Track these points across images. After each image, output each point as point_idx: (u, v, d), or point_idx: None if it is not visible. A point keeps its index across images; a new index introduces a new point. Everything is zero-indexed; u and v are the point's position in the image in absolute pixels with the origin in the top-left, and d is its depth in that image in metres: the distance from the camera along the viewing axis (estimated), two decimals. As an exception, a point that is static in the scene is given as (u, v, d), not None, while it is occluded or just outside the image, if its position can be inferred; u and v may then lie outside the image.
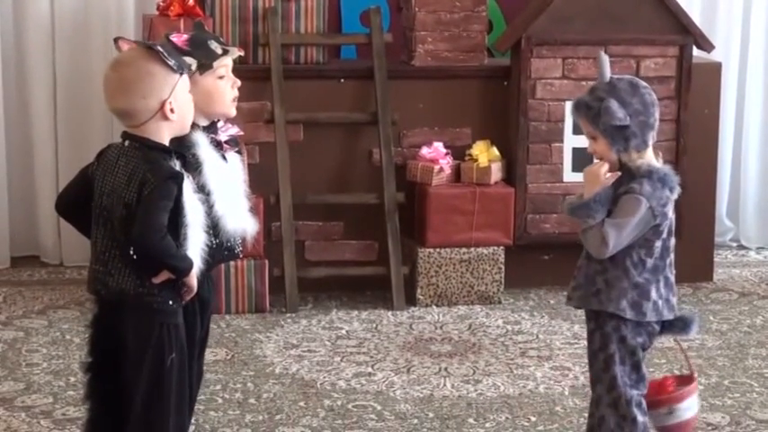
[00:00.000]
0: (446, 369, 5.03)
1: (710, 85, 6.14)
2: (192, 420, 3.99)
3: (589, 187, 3.58)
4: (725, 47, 6.65)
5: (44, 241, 6.40)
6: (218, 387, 4.78)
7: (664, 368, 5.02)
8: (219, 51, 3.71)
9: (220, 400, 4.68)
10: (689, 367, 3.88)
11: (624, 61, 5.83)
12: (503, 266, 5.83)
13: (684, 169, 6.00)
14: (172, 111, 3.32)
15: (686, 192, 5.97)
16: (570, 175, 5.92)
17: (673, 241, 3.68)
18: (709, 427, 4.49)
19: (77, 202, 3.43)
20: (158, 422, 3.36)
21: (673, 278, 3.70)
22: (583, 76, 5.80)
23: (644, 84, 3.63)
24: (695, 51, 6.01)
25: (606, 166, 3.60)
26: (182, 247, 3.32)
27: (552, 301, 5.88)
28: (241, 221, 3.73)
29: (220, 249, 3.70)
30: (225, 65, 3.73)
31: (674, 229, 3.67)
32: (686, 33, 5.93)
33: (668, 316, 3.67)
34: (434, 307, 5.79)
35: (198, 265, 3.40)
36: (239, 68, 3.98)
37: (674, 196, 3.63)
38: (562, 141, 5.92)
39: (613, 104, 3.54)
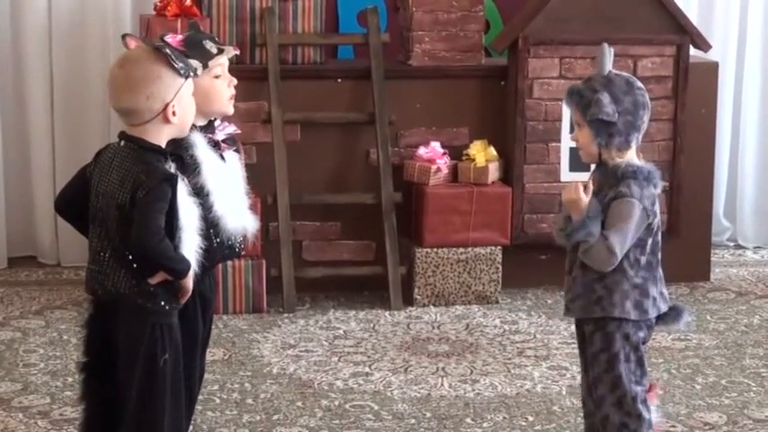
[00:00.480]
0: (443, 369, 5.03)
1: (707, 84, 6.14)
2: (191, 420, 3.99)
3: (575, 208, 3.56)
4: (722, 46, 6.65)
5: (41, 241, 6.39)
6: (216, 387, 4.78)
7: (662, 368, 5.02)
8: (215, 51, 3.71)
9: (218, 400, 4.68)
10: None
11: (621, 61, 5.83)
12: (500, 266, 5.83)
13: (681, 169, 6.01)
14: (174, 114, 3.32)
15: (683, 191, 6.05)
16: (567, 175, 5.92)
17: (660, 236, 3.68)
18: (707, 427, 4.49)
19: (76, 202, 3.44)
20: (152, 422, 3.36)
21: (661, 271, 3.71)
22: (580, 75, 5.79)
23: (640, 85, 3.62)
24: (692, 51, 6.01)
25: (581, 185, 3.58)
26: (177, 249, 3.32)
27: (549, 301, 5.88)
28: (241, 220, 3.73)
29: (221, 248, 3.70)
30: (221, 64, 3.73)
31: (660, 225, 3.68)
32: (683, 33, 5.94)
33: (664, 309, 3.68)
34: (432, 307, 5.79)
35: (193, 267, 3.39)
36: (236, 68, 3.98)
37: (658, 191, 3.63)
38: (559, 141, 5.93)
39: (605, 98, 3.55)
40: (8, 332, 5.37)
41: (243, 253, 3.92)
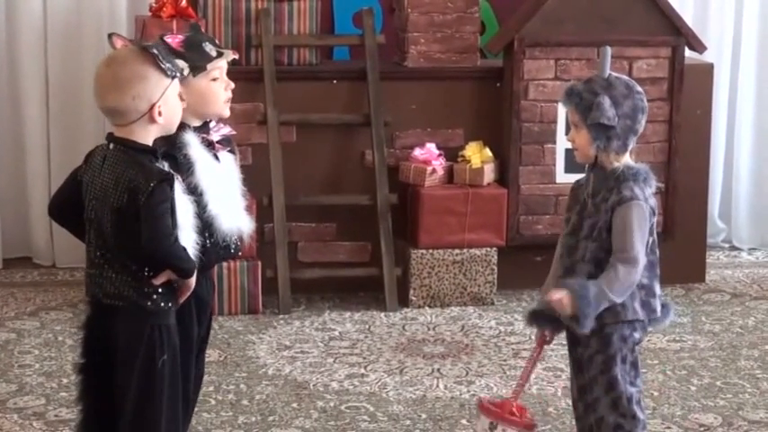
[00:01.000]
0: (439, 370, 5.03)
1: (703, 86, 6.14)
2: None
3: (563, 307, 3.52)
4: (717, 48, 6.66)
5: (36, 243, 6.39)
6: (211, 388, 4.78)
7: (657, 369, 5.02)
8: (214, 54, 3.71)
9: (213, 402, 4.68)
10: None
11: (616, 62, 5.82)
12: (495, 268, 5.84)
13: (677, 170, 6.02)
14: (160, 114, 3.31)
15: (678, 193, 6.05)
16: (563, 176, 5.92)
17: (656, 236, 3.68)
18: (702, 428, 4.50)
19: (70, 206, 3.43)
20: (150, 423, 3.36)
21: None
22: (575, 77, 5.79)
23: (639, 89, 3.61)
24: (687, 52, 6.02)
25: (558, 293, 3.54)
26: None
27: (545, 303, 5.88)
28: (236, 221, 3.72)
29: (216, 249, 3.69)
30: (219, 67, 3.73)
31: (655, 224, 3.69)
32: (678, 34, 5.94)
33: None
34: (427, 308, 5.79)
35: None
36: (232, 70, 3.97)
37: (653, 191, 3.64)
38: (555, 142, 5.93)
39: (606, 102, 3.54)
40: (3, 333, 5.36)
41: (239, 254, 3.92)
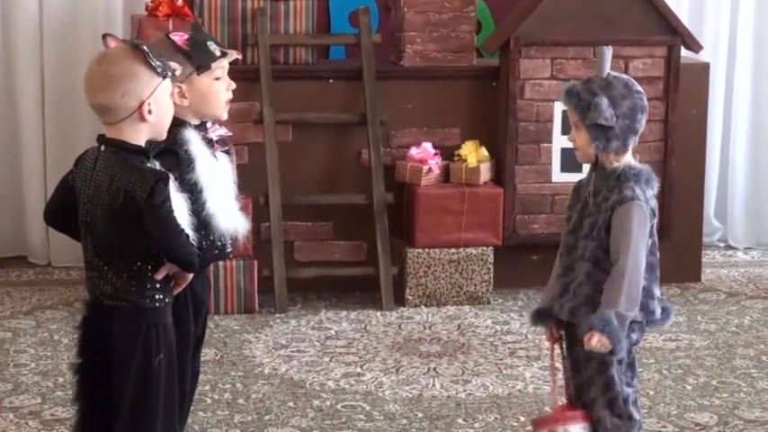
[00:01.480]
0: (435, 369, 5.03)
1: (698, 85, 6.15)
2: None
3: (606, 339, 3.50)
4: (713, 47, 6.66)
5: (32, 242, 6.38)
6: (207, 387, 4.77)
7: (653, 368, 5.03)
8: (218, 53, 3.73)
9: (209, 401, 4.68)
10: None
11: (612, 62, 5.80)
12: (492, 267, 5.84)
13: (672, 170, 6.02)
14: (150, 112, 3.31)
15: (674, 192, 6.06)
16: (559, 176, 5.92)
17: (656, 237, 3.67)
18: (698, 427, 4.50)
19: (63, 210, 3.43)
20: (146, 423, 3.36)
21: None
22: (571, 76, 5.80)
23: (639, 88, 3.60)
24: (683, 52, 6.02)
25: (593, 338, 3.52)
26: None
27: (541, 302, 5.88)
28: (233, 220, 3.73)
29: (211, 248, 3.69)
30: (222, 67, 3.74)
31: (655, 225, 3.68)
32: (674, 34, 5.95)
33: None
34: (423, 307, 5.79)
35: None
36: (227, 69, 3.98)
37: (654, 192, 3.63)
38: (551, 142, 5.93)
39: (604, 102, 3.53)
40: (-1, 332, 5.37)
41: (231, 255, 3.92)
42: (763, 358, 5.19)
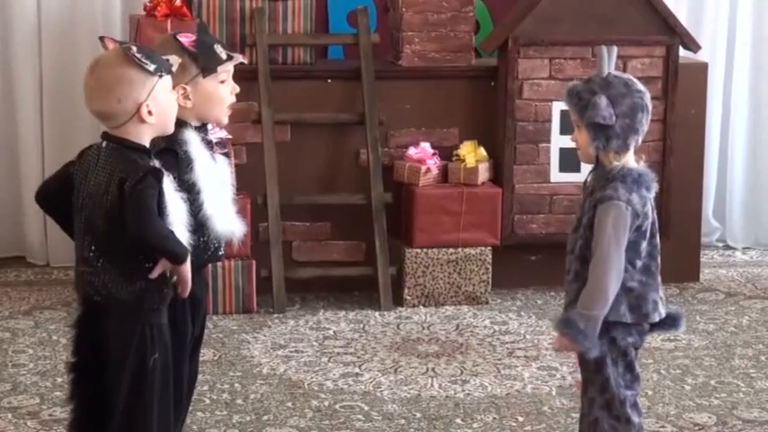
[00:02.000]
0: (433, 369, 5.03)
1: (697, 85, 6.15)
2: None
3: (569, 341, 3.50)
4: (711, 47, 6.66)
5: (30, 242, 6.38)
6: (206, 387, 4.77)
7: (651, 368, 5.03)
8: (224, 56, 3.72)
9: (207, 401, 4.67)
10: None
11: (611, 62, 5.83)
12: (490, 267, 5.84)
13: (671, 169, 6.02)
14: (150, 113, 3.31)
15: (673, 192, 6.06)
16: (557, 176, 5.93)
17: (658, 240, 3.66)
18: (696, 428, 4.50)
19: (57, 196, 3.43)
20: (141, 422, 3.36)
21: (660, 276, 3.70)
22: (570, 76, 5.80)
23: (640, 87, 3.57)
24: (682, 52, 6.02)
25: (555, 342, 3.54)
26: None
27: (539, 302, 5.89)
28: (229, 223, 3.73)
29: (206, 249, 3.69)
30: (228, 70, 3.74)
31: (657, 228, 3.66)
32: (673, 34, 5.95)
33: (663, 315, 3.66)
34: (422, 307, 5.79)
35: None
36: (226, 69, 3.98)
37: (652, 195, 3.61)
38: (549, 142, 5.93)
39: (602, 101, 3.52)
40: (-3, 333, 5.37)
41: (223, 258, 3.92)
42: (762, 358, 5.19)
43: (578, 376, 3.73)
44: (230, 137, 3.91)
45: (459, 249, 5.82)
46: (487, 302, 5.84)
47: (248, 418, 4.53)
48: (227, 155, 3.82)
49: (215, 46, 3.72)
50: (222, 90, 3.74)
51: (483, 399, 4.74)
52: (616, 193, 3.51)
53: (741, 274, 6.39)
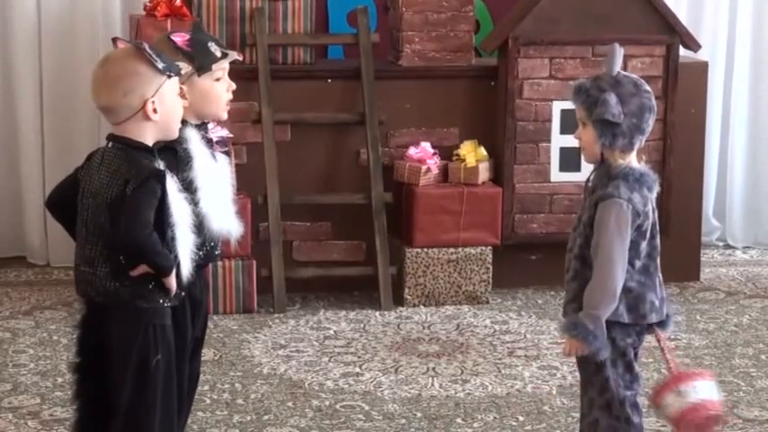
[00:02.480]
0: (434, 369, 5.04)
1: (697, 84, 6.15)
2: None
3: (579, 343, 3.50)
4: (711, 46, 6.66)
5: (31, 242, 6.38)
6: (206, 387, 4.77)
7: (651, 367, 5.03)
8: (219, 54, 3.73)
9: (208, 401, 4.67)
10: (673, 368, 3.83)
11: (610, 61, 5.83)
12: (490, 266, 5.84)
13: (671, 169, 6.02)
14: (155, 111, 3.31)
15: (673, 191, 6.06)
16: (557, 175, 5.93)
17: (658, 241, 3.66)
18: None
19: (67, 200, 3.44)
20: (144, 422, 3.36)
21: (661, 276, 3.70)
22: (570, 75, 5.80)
23: (647, 88, 3.58)
24: (682, 51, 6.02)
25: (565, 345, 3.54)
26: (171, 247, 3.32)
27: (540, 301, 5.89)
28: (226, 223, 3.72)
29: (201, 248, 3.68)
30: (223, 68, 3.75)
31: (658, 229, 3.66)
32: (673, 33, 5.95)
33: (663, 315, 3.66)
34: (422, 307, 5.79)
35: (188, 265, 3.38)
36: (225, 68, 3.98)
37: (654, 195, 3.61)
38: (549, 141, 5.93)
39: (612, 99, 3.53)
40: (-2, 333, 5.37)
41: (219, 259, 3.91)
42: (762, 357, 5.19)
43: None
44: (232, 135, 3.91)
45: (460, 249, 5.82)
46: (488, 302, 5.84)
47: (249, 418, 4.53)
48: (227, 153, 3.82)
49: (209, 44, 3.72)
50: (218, 88, 3.74)
51: (483, 398, 4.74)
52: (617, 191, 3.51)
53: (741, 273, 6.39)
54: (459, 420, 4.55)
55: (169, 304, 3.40)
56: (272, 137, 5.78)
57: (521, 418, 4.56)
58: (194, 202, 3.58)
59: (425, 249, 5.80)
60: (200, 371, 3.97)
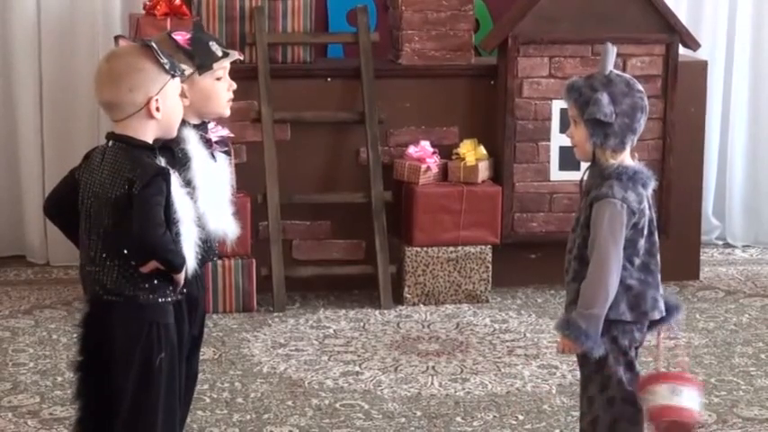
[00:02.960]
0: (434, 368, 5.04)
1: (697, 83, 6.15)
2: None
3: (572, 343, 3.52)
4: (711, 45, 6.66)
5: (30, 241, 6.38)
6: (206, 386, 4.78)
7: (651, 366, 5.01)
8: (220, 53, 3.73)
9: (208, 400, 4.68)
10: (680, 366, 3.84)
11: (611, 60, 5.83)
12: (490, 265, 5.84)
13: (671, 168, 6.02)
14: (158, 109, 3.32)
15: (672, 190, 6.06)
16: (557, 174, 5.93)
17: (656, 237, 3.66)
18: (696, 425, 4.49)
19: (65, 204, 3.43)
20: (147, 422, 3.36)
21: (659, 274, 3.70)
22: (569, 74, 5.76)
23: (640, 88, 3.59)
24: (681, 50, 6.02)
25: (559, 345, 3.56)
26: (176, 243, 3.32)
27: (539, 300, 5.89)
28: (222, 222, 3.72)
29: (201, 246, 3.68)
30: (224, 67, 3.75)
31: (655, 226, 3.66)
32: (672, 32, 5.95)
33: (663, 312, 3.67)
34: (422, 306, 5.79)
35: (192, 261, 3.39)
36: (225, 67, 3.98)
37: (649, 192, 3.61)
38: (549, 140, 5.93)
39: (604, 98, 3.53)
40: (-2, 332, 5.37)
41: (216, 258, 3.90)
42: (762, 356, 5.19)
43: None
44: (232, 135, 3.91)
45: (460, 248, 5.82)
46: (487, 301, 5.84)
47: (248, 417, 4.53)
48: (227, 153, 3.82)
49: (210, 43, 3.73)
50: (219, 87, 3.74)
51: (483, 397, 4.74)
52: (611, 191, 3.52)
53: (741, 272, 6.39)
54: (458, 419, 4.55)
55: (172, 298, 3.40)
56: (271, 136, 5.78)
57: (520, 417, 4.56)
58: (193, 202, 3.57)
59: (425, 248, 5.80)
60: (198, 370, 3.97)
